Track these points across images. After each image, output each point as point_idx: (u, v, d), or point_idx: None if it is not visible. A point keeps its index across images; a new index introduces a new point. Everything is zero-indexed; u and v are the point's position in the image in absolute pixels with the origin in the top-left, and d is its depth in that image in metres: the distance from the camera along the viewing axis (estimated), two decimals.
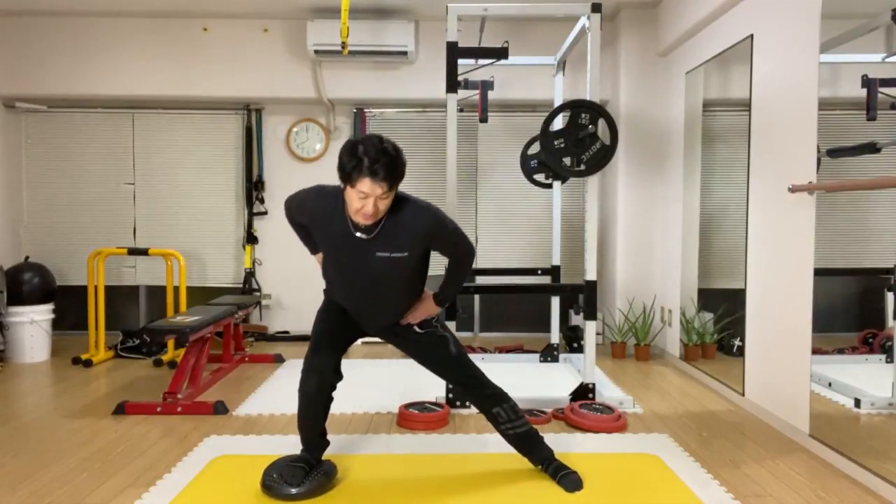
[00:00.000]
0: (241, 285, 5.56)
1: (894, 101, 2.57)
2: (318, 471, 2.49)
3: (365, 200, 2.18)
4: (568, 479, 2.51)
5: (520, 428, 2.58)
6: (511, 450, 2.68)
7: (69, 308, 5.41)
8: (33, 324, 4.66)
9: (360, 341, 5.35)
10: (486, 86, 4.41)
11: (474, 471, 2.68)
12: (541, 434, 2.65)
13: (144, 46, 5.24)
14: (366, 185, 2.16)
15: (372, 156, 2.15)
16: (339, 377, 2.50)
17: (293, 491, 2.39)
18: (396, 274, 2.39)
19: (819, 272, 2.91)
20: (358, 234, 2.32)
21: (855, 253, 2.84)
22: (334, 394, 2.53)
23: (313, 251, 2.66)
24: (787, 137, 3.16)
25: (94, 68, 5.23)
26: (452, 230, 2.43)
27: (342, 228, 2.33)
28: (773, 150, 3.32)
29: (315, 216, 2.40)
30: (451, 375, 2.59)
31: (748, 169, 3.57)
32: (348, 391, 3.87)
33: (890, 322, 2.72)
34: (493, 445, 2.96)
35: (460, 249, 2.48)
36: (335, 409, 3.51)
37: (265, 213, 5.61)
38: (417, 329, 2.56)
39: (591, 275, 3.52)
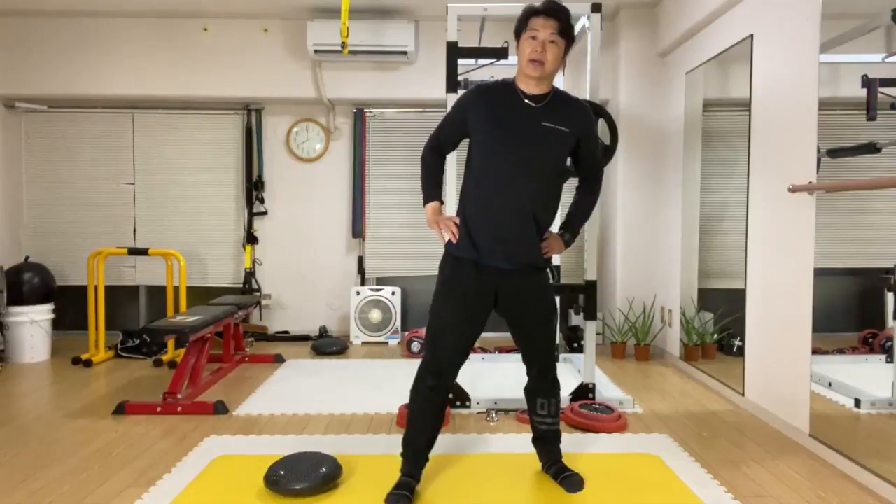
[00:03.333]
0: (241, 285, 5.56)
1: (894, 101, 2.57)
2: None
3: (535, 42, 2.30)
4: (569, 480, 2.52)
5: (553, 426, 2.60)
6: (510, 450, 2.69)
7: (69, 308, 5.40)
8: (33, 324, 4.65)
9: (359, 341, 5.35)
10: None
11: (474, 471, 2.68)
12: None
13: (144, 46, 5.24)
14: (538, 21, 2.30)
15: (546, 3, 2.34)
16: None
17: (296, 486, 2.41)
18: (555, 154, 2.38)
19: (819, 272, 2.91)
20: (527, 101, 2.36)
21: (855, 253, 2.84)
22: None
23: (430, 197, 2.50)
24: (787, 137, 3.16)
25: (94, 68, 5.23)
26: (598, 141, 2.53)
27: (510, 100, 2.38)
28: (773, 150, 3.31)
29: (484, 93, 2.43)
30: (541, 347, 2.52)
31: (748, 169, 3.57)
32: (348, 391, 3.87)
33: (890, 322, 2.72)
34: (494, 445, 2.96)
35: (599, 165, 2.55)
36: (335, 408, 3.52)
37: (265, 213, 5.61)
38: (550, 275, 2.50)
39: (591, 275, 3.52)
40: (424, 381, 2.43)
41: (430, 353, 2.43)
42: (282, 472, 2.46)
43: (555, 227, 2.57)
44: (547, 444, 2.64)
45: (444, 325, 2.41)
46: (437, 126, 2.55)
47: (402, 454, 2.49)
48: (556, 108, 2.38)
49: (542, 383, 2.58)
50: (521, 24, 2.37)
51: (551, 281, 2.53)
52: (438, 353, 2.41)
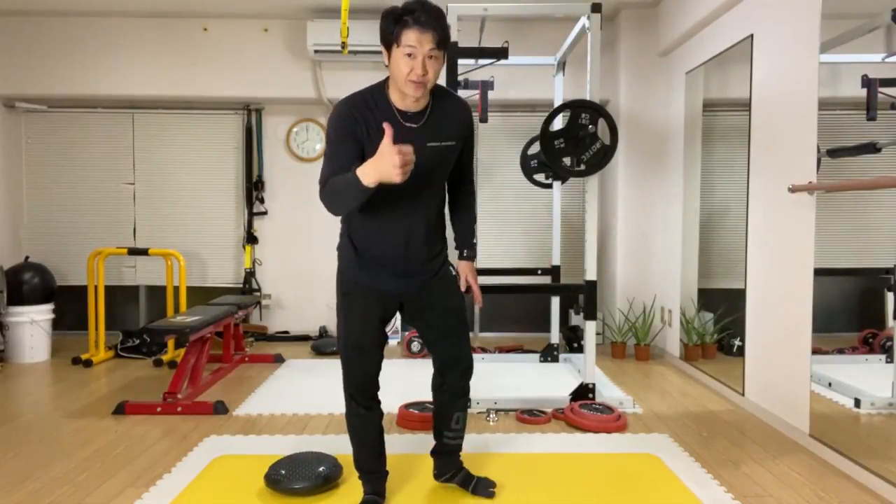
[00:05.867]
0: (241, 285, 5.56)
1: (894, 101, 2.57)
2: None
3: (413, 60, 1.96)
4: (481, 484, 2.46)
5: (460, 440, 2.46)
6: (509, 450, 2.68)
7: (69, 308, 5.40)
8: (33, 324, 4.65)
9: None
10: (486, 86, 4.40)
11: (473, 470, 2.67)
12: None
13: (144, 46, 5.24)
14: (412, 36, 1.94)
15: (416, 7, 1.97)
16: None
17: (297, 485, 2.41)
18: (443, 170, 2.20)
19: (819, 272, 2.91)
20: (407, 124, 2.08)
21: (855, 253, 2.84)
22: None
23: (353, 173, 2.01)
24: (787, 137, 3.16)
25: (94, 68, 5.23)
26: (473, 140, 2.32)
27: (389, 120, 2.05)
28: (773, 150, 3.32)
29: (358, 108, 2.07)
30: (456, 351, 2.36)
31: (748, 169, 3.57)
32: None
33: (890, 322, 2.72)
34: (493, 445, 2.96)
35: (471, 172, 2.40)
36: (335, 408, 3.52)
37: (265, 213, 5.61)
38: (451, 268, 2.34)
39: (591, 275, 3.52)
40: (353, 404, 2.31)
41: (346, 375, 2.29)
42: (283, 472, 2.46)
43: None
44: (453, 458, 2.50)
45: (352, 345, 2.26)
46: (326, 162, 2.07)
47: (359, 477, 2.38)
48: (438, 118, 2.14)
49: (460, 389, 2.39)
50: (391, 37, 1.98)
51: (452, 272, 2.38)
52: (356, 373, 2.29)
